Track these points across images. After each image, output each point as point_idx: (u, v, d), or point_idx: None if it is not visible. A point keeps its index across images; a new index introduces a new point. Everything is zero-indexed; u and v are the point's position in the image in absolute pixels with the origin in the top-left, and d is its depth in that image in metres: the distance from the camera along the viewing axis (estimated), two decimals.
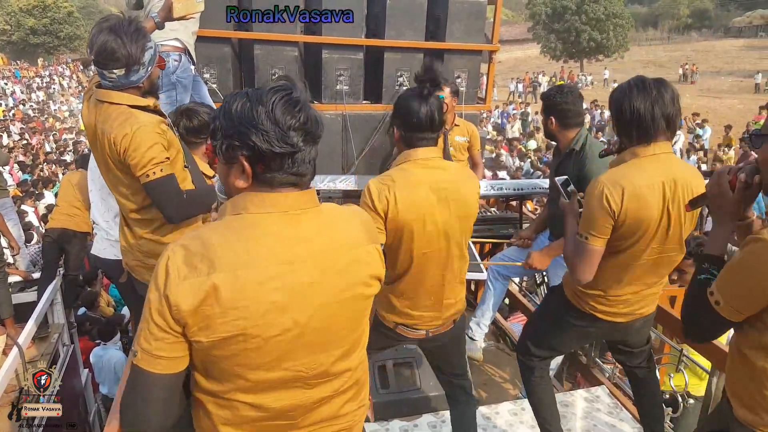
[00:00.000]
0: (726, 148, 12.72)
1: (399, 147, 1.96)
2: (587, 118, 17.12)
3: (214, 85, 3.66)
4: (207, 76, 3.66)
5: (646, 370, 2.33)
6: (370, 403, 1.46)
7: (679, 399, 2.70)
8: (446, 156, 3.41)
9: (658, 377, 2.56)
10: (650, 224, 1.81)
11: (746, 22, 48.86)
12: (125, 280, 2.54)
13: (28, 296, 4.83)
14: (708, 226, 6.70)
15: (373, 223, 1.28)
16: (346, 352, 1.17)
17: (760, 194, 1.37)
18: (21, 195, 9.74)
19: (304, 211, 1.09)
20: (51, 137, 19.57)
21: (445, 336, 2.12)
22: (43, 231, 6.32)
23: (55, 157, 15.25)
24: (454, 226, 1.93)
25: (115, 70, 1.87)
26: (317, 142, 1.09)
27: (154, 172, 1.90)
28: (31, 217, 8.52)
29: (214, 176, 2.52)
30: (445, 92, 3.09)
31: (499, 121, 20.90)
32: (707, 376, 2.51)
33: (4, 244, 4.71)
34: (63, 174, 11.96)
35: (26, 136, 19.15)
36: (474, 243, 4.10)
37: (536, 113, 17.82)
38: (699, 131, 14.89)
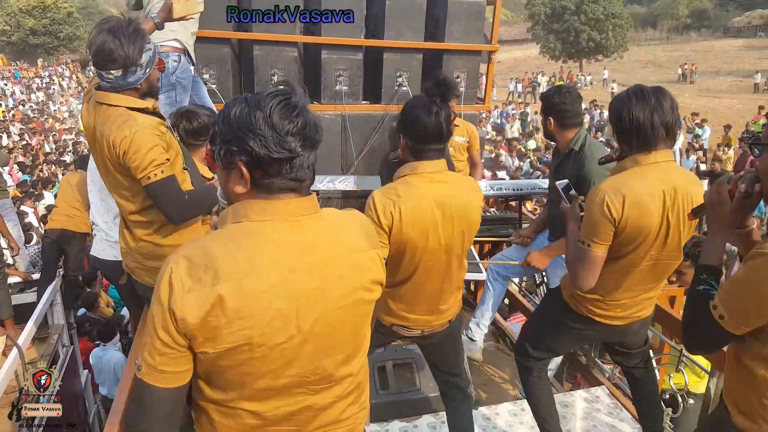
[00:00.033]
0: (725, 148, 12.73)
1: (405, 155, 1.95)
2: (586, 118, 17.12)
3: (214, 86, 3.67)
4: (206, 76, 3.67)
5: (644, 371, 2.34)
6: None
7: (679, 399, 2.70)
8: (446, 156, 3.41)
9: (657, 377, 2.56)
10: (650, 232, 1.82)
11: (745, 22, 48.90)
12: (125, 282, 2.54)
13: (28, 297, 4.83)
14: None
15: (373, 228, 1.28)
16: (348, 357, 1.17)
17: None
18: (21, 196, 9.72)
19: (305, 217, 1.09)
20: (51, 138, 19.55)
21: (440, 334, 2.14)
22: (43, 232, 6.31)
23: (54, 158, 15.23)
24: (456, 241, 1.94)
25: (112, 71, 1.87)
26: (316, 148, 1.08)
27: (155, 174, 1.90)
28: (31, 218, 8.52)
29: (213, 178, 2.52)
30: None
31: (499, 121, 20.90)
32: (706, 375, 2.51)
33: (4, 245, 4.71)
34: (63, 175, 11.95)
35: (26, 136, 19.13)
36: (473, 243, 4.10)
37: (535, 113, 17.83)
38: (698, 131, 14.91)
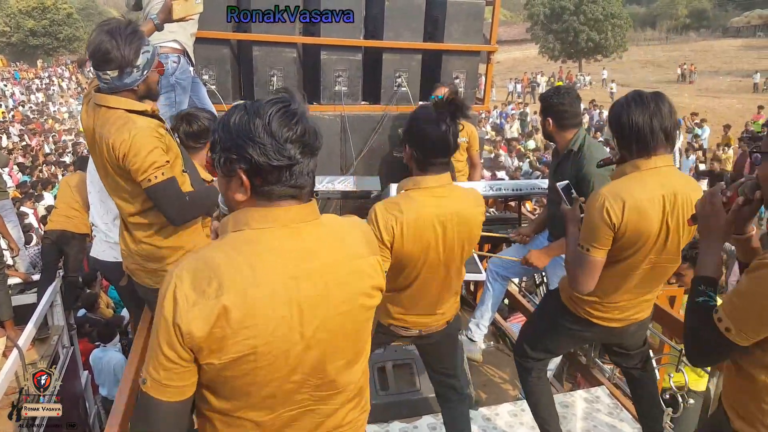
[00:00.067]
0: (725, 148, 12.72)
1: (409, 164, 1.95)
2: (585, 119, 17.12)
3: (213, 87, 3.67)
4: (206, 77, 3.67)
5: (643, 371, 2.35)
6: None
7: (679, 399, 2.70)
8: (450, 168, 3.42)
9: (657, 377, 2.56)
10: (650, 236, 1.83)
11: (744, 22, 48.94)
12: (125, 284, 2.54)
13: (28, 298, 4.83)
14: None
15: (373, 235, 1.28)
16: (350, 362, 1.18)
17: None
18: (20, 196, 9.73)
19: (305, 224, 1.09)
20: (50, 139, 19.57)
21: (438, 334, 2.16)
22: (42, 233, 6.31)
23: (54, 159, 15.25)
24: (456, 253, 1.96)
25: (108, 72, 1.86)
26: (315, 155, 1.08)
27: (155, 176, 1.90)
28: (31, 219, 8.52)
29: (212, 181, 2.52)
30: (444, 93, 3.09)
31: (498, 121, 20.91)
32: (706, 374, 2.51)
33: (4, 245, 4.71)
34: (62, 175, 11.95)
35: (26, 137, 19.14)
36: None
37: (535, 113, 17.82)
38: (698, 131, 14.91)
